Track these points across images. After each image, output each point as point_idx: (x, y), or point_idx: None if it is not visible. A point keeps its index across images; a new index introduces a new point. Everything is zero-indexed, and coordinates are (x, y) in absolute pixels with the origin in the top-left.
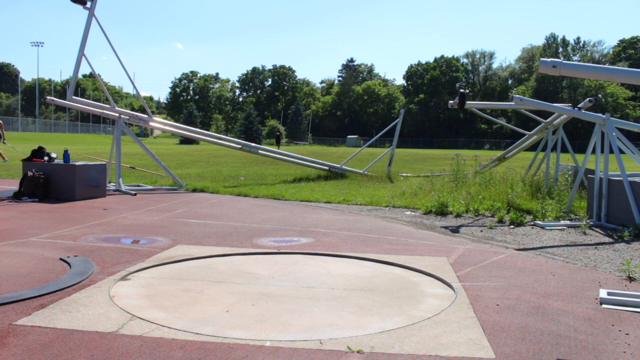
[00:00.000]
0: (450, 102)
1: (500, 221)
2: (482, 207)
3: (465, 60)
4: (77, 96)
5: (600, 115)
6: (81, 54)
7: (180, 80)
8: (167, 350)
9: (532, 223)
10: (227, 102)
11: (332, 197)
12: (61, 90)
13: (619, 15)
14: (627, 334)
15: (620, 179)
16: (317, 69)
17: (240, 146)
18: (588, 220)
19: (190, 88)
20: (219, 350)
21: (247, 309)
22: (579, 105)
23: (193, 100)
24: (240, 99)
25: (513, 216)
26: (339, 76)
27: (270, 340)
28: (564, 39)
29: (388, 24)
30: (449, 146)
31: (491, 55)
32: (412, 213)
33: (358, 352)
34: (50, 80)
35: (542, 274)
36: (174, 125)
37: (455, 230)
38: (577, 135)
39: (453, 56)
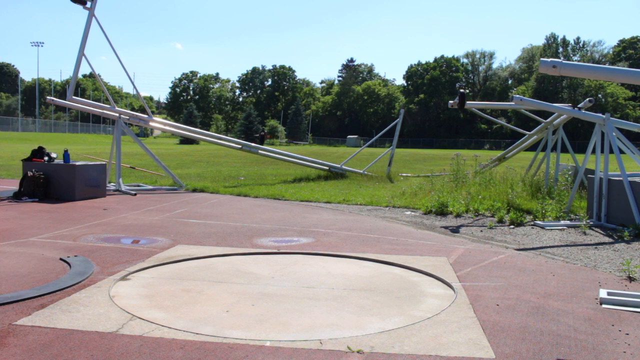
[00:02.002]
0: (450, 102)
1: (500, 221)
2: (482, 207)
3: (465, 60)
4: (77, 96)
5: (600, 115)
6: (81, 54)
7: (180, 80)
8: (167, 350)
9: (532, 223)
10: (227, 102)
11: (332, 197)
12: (61, 90)
13: (619, 15)
14: (627, 334)
15: (620, 179)
16: (317, 69)
17: (240, 146)
18: (588, 220)
19: (190, 88)
20: (219, 350)
21: (247, 309)
22: (579, 105)
23: (193, 100)
24: (240, 99)
25: (513, 216)
26: (339, 76)
27: (270, 340)
28: (564, 39)
29: (388, 24)
30: (449, 146)
31: (491, 55)
32: (412, 213)
33: (358, 352)
34: (50, 80)
35: (542, 274)
36: (174, 125)
37: (455, 230)
38: (577, 135)
39: (453, 56)
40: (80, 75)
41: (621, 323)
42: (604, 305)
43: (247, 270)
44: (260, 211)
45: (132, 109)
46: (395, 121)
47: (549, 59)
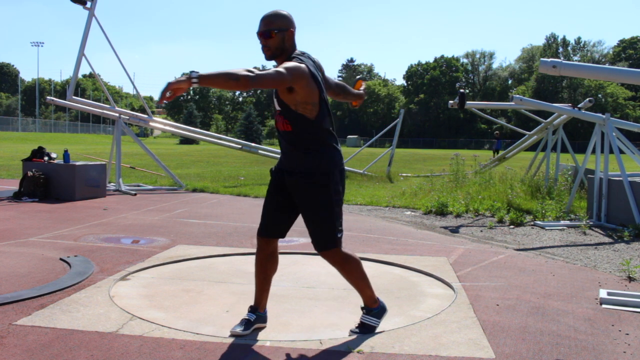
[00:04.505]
0: (450, 102)
1: (500, 221)
2: (482, 207)
3: (465, 60)
4: (77, 96)
5: (600, 115)
6: (81, 54)
7: None
8: (167, 350)
9: (532, 223)
10: (227, 102)
11: None
12: (61, 90)
13: (619, 15)
14: (627, 334)
15: (620, 179)
16: None
17: (240, 146)
18: (588, 220)
19: (190, 88)
20: (219, 350)
21: (247, 309)
22: (579, 105)
23: (193, 100)
24: (240, 99)
25: (513, 216)
26: (338, 76)
27: (270, 340)
28: (564, 39)
29: (388, 24)
30: (449, 146)
31: (491, 55)
32: (412, 213)
33: (358, 352)
34: (50, 80)
35: (542, 274)
36: (174, 125)
37: (455, 230)
38: (577, 135)
39: (453, 56)
40: (80, 75)
41: (621, 323)
42: (604, 305)
43: (247, 270)
44: (260, 211)
45: (132, 109)
46: (395, 121)
47: (549, 59)
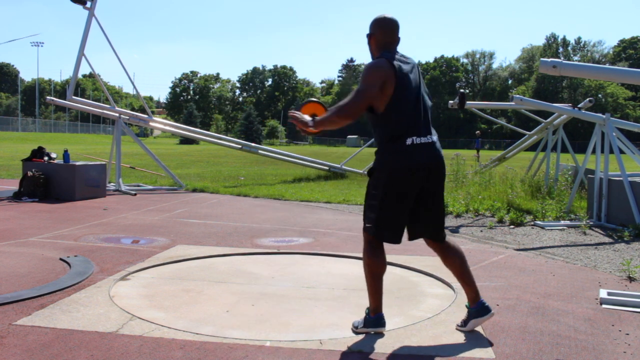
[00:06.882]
0: (450, 102)
1: (500, 221)
2: (482, 207)
3: (465, 60)
4: (77, 96)
5: (600, 115)
6: (81, 54)
7: (180, 80)
8: (167, 350)
9: (532, 223)
10: (227, 102)
11: (332, 197)
12: (61, 90)
13: (619, 15)
14: (627, 334)
15: (620, 179)
16: (317, 69)
17: (240, 146)
18: (588, 220)
19: (191, 88)
20: (219, 350)
21: (247, 309)
22: (579, 105)
23: (193, 100)
24: (240, 99)
25: (513, 216)
26: (339, 76)
27: (270, 340)
28: (564, 39)
29: None
30: (449, 146)
31: (491, 55)
32: None
33: (358, 352)
34: (50, 80)
35: (542, 274)
36: (174, 125)
37: (455, 230)
38: (577, 135)
39: (453, 56)
40: (80, 75)
41: (621, 323)
42: (604, 305)
43: (247, 270)
44: (260, 211)
45: (132, 109)
46: None
47: (549, 59)
